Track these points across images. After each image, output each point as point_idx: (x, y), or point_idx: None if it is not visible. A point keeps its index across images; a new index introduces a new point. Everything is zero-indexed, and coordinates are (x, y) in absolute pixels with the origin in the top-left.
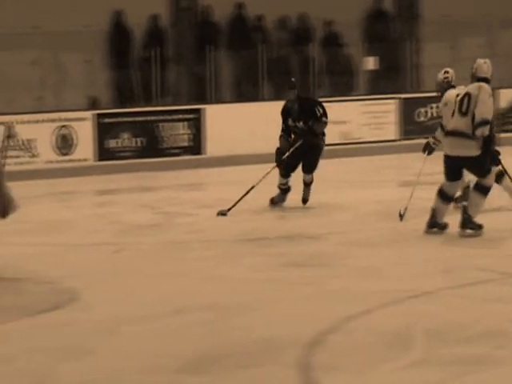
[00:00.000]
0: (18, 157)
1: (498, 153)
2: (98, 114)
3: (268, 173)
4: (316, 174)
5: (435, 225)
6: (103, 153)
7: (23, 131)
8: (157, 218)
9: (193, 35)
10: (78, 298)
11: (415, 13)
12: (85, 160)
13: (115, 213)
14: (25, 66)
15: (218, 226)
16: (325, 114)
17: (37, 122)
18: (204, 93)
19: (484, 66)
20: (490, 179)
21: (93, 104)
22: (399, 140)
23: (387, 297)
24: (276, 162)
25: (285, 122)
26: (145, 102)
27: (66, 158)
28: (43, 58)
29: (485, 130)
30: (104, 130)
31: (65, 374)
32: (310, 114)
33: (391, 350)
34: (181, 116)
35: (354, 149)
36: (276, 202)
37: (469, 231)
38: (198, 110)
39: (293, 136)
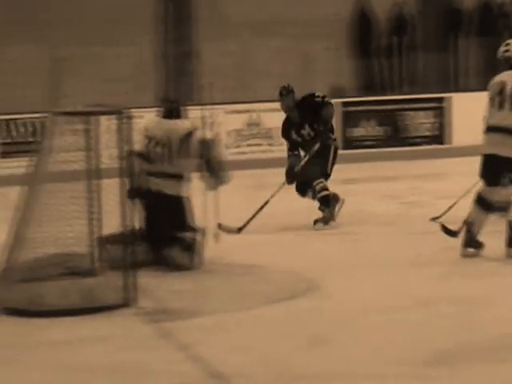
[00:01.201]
0: (259, 145)
1: None
2: (343, 103)
3: (278, 190)
4: None
5: (471, 242)
6: (346, 141)
7: (265, 120)
8: (398, 208)
9: (439, 23)
10: (318, 287)
11: None
12: None
13: (357, 202)
14: (270, 55)
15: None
16: (325, 96)
17: (278, 110)
18: (449, 81)
19: None
20: None
21: (337, 92)
22: None
23: None
24: (287, 181)
25: (288, 138)
26: (389, 90)
27: None
28: (288, 46)
29: None
30: (348, 119)
31: (302, 363)
32: (311, 109)
33: None
34: (425, 105)
35: None
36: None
37: None
38: (442, 99)
39: (302, 152)
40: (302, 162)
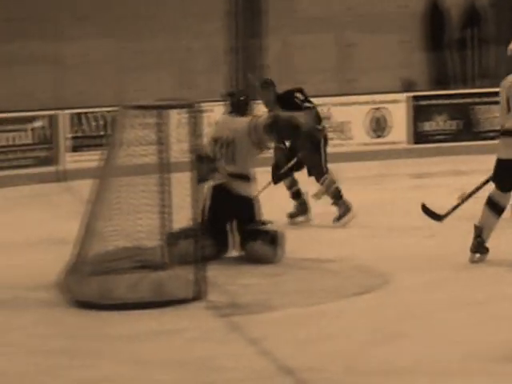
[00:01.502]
0: (331, 139)
1: None
2: (413, 97)
3: (265, 188)
4: None
5: (480, 247)
6: (417, 136)
7: (336, 114)
8: (470, 203)
9: None
10: (389, 282)
11: None
12: (398, 143)
13: (428, 197)
14: (340, 48)
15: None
16: (306, 100)
17: (350, 104)
18: None
19: None
20: None
21: (407, 86)
22: None
23: None
24: (273, 180)
25: None
26: (461, 83)
27: (380, 140)
28: (359, 39)
29: None
30: (419, 113)
31: (370, 358)
32: (292, 105)
33: None
34: (497, 98)
35: None
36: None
37: None
38: None
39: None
40: (290, 165)
